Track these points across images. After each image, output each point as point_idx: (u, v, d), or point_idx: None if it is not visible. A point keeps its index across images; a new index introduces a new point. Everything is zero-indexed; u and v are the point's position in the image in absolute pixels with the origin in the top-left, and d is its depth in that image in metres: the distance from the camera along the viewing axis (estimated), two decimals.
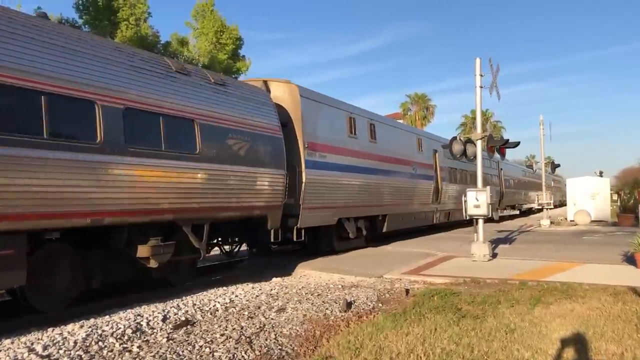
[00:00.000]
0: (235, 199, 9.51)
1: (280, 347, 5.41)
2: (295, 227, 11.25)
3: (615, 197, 36.80)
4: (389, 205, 15.86)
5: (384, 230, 15.75)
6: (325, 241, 13.20)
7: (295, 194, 11.14)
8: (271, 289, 8.77)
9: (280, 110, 11.30)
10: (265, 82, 11.85)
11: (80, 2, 26.11)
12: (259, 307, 7.25)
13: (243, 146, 9.66)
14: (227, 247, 11.59)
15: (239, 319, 6.53)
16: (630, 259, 10.44)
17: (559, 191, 50.07)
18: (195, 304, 7.42)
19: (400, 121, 28.83)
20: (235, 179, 9.43)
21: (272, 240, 10.53)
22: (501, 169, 30.09)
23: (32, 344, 5.42)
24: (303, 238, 11.51)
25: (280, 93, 11.79)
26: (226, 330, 6.00)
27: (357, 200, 13.91)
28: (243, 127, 9.77)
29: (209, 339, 5.61)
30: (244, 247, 12.45)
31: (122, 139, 7.38)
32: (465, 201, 11.96)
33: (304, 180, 11.26)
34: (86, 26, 25.66)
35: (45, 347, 5.28)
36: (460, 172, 22.85)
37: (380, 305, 7.44)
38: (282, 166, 10.62)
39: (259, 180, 10.02)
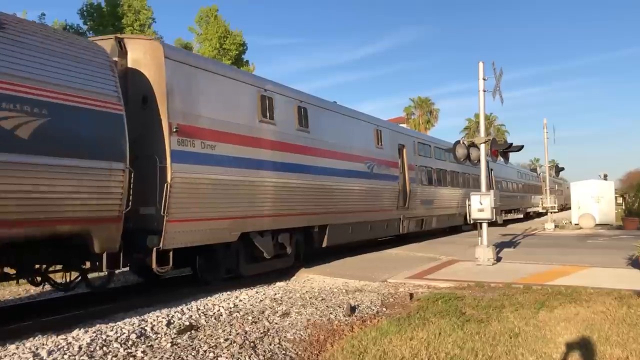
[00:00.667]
0: (11, 207, 6.05)
1: (284, 351, 5.41)
2: (155, 249, 7.77)
3: (620, 200, 36.68)
4: (329, 213, 12.42)
5: (324, 244, 12.48)
6: (225, 265, 9.77)
7: (156, 200, 7.82)
8: (275, 294, 8.78)
9: (140, 79, 8.25)
10: (118, 39, 8.39)
11: (84, 8, 26.35)
12: (263, 312, 7.26)
13: (27, 124, 6.15)
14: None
15: (243, 324, 6.54)
16: (635, 263, 10.41)
17: (561, 195, 49.59)
18: (199, 309, 7.44)
19: (404, 125, 28.13)
20: (5, 176, 5.96)
21: (104, 269, 7.25)
22: (491, 169, 26.36)
23: (37, 349, 5.44)
24: (170, 264, 8.13)
25: (140, 55, 8.39)
26: (230, 335, 6.01)
27: (276, 208, 10.49)
28: (31, 94, 6.26)
29: (213, 344, 5.62)
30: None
31: None
32: (468, 205, 11.97)
33: (169, 179, 7.86)
34: (91, 32, 25.86)
35: (49, 352, 5.30)
36: (437, 172, 19.71)
37: (384, 309, 7.44)
38: (120, 157, 7.15)
39: (68, 178, 6.57)
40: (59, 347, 5.48)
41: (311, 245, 12.33)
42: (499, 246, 14.29)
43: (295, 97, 11.63)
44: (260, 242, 10.19)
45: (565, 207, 46.38)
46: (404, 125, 28.05)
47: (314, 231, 12.18)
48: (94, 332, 6.05)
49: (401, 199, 16.34)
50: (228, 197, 9.22)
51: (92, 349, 5.43)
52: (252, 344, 5.62)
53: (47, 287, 8.35)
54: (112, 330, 6.08)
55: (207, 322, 6.70)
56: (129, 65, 8.34)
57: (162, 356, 5.21)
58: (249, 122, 9.92)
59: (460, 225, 22.61)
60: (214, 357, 5.19)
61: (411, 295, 8.29)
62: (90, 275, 8.39)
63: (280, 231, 10.83)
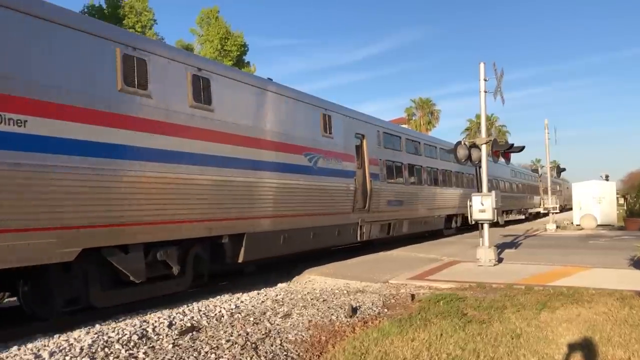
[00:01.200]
0: None
1: (285, 352, 5.41)
2: None
3: (621, 200, 36.61)
4: (246, 218, 9.68)
5: (241, 259, 9.66)
6: (63, 294, 7.02)
7: None
8: (276, 295, 8.78)
9: None
10: None
11: (85, 10, 26.42)
12: (265, 313, 7.25)
13: None
14: None
15: (244, 325, 6.54)
16: (637, 264, 10.39)
17: (560, 195, 49.05)
18: (200, 310, 7.44)
19: (405, 126, 27.70)
20: None
21: None
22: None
23: (39, 350, 5.46)
24: None
25: None
26: (232, 336, 6.01)
27: (151, 212, 7.72)
28: None
29: (214, 345, 5.62)
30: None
31: None
32: (470, 206, 11.98)
33: None
34: None
35: (51, 354, 5.31)
36: (409, 168, 17.08)
37: (385, 310, 7.44)
38: None
39: None
40: (61, 348, 5.49)
41: (222, 260, 9.55)
42: (501, 247, 14.26)
43: (190, 63, 8.86)
44: (122, 261, 7.40)
45: (565, 207, 46.21)
46: (405, 126, 27.79)
47: (224, 242, 9.33)
48: (96, 333, 6.06)
49: (360, 200, 13.76)
50: (55, 200, 6.43)
51: (93, 350, 5.43)
52: (253, 345, 5.62)
53: None
54: (113, 332, 6.09)
55: (208, 323, 6.71)
56: None
57: (164, 357, 5.21)
58: (100, 90, 7.20)
59: (441, 229, 20.44)
60: (216, 358, 5.19)
61: (412, 296, 8.28)
62: None
63: (161, 244, 8.11)
